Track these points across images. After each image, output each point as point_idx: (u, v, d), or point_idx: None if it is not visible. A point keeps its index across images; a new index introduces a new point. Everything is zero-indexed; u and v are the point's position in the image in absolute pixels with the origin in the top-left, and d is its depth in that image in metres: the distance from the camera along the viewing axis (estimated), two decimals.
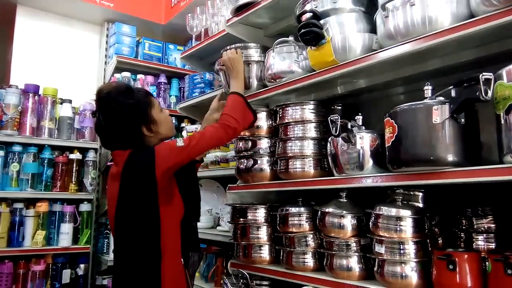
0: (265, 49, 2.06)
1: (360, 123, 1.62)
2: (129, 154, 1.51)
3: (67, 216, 3.09)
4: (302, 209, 1.80)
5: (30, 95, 3.03)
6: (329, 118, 1.59)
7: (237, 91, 1.77)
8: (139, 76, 3.46)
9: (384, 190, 1.55)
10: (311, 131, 1.81)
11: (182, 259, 1.53)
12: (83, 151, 3.30)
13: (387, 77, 1.69)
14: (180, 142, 1.50)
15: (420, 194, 1.51)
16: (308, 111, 1.82)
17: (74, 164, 3.20)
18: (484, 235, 1.37)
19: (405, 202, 1.48)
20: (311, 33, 1.61)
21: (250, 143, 2.00)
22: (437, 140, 1.24)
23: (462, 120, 1.23)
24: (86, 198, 3.24)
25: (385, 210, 1.43)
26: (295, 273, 1.73)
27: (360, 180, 1.50)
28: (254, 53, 2.07)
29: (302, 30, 1.63)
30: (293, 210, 1.81)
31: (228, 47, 2.04)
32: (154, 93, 3.47)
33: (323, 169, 1.78)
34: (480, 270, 1.24)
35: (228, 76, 1.94)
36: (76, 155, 3.21)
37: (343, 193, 1.67)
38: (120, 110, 1.51)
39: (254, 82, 2.05)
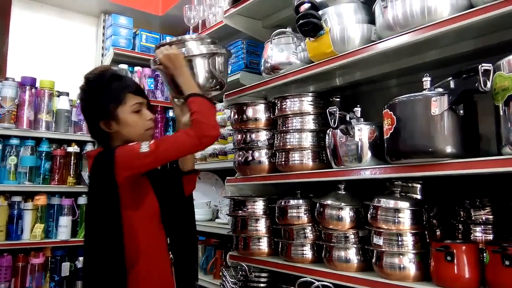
0: (212, 43, 1.76)
1: (359, 115, 1.62)
2: (96, 156, 1.41)
3: (65, 209, 3.08)
4: (301, 201, 1.80)
5: (27, 87, 3.01)
6: (327, 110, 1.58)
7: (195, 92, 1.50)
8: (137, 68, 3.43)
9: (382, 182, 1.55)
10: (310, 123, 1.81)
11: (171, 256, 1.48)
12: (81, 144, 3.28)
13: (386, 69, 1.69)
14: (144, 147, 1.32)
15: (418, 185, 1.51)
16: (307, 103, 1.82)
17: (72, 157, 3.18)
18: (482, 226, 1.38)
19: (403, 194, 1.48)
20: (309, 24, 1.60)
21: (248, 136, 1.99)
22: (435, 132, 1.24)
23: (461, 111, 1.23)
24: (84, 191, 3.24)
25: (383, 202, 1.43)
26: (293, 265, 1.74)
27: (359, 172, 1.49)
28: (194, 46, 1.68)
29: (300, 21, 1.62)
30: (292, 202, 1.81)
31: (160, 43, 1.69)
32: (152, 85, 3.45)
33: (322, 161, 1.78)
34: (478, 261, 1.24)
35: (169, 75, 1.61)
36: (74, 148, 3.20)
37: (341, 185, 1.67)
38: (83, 98, 1.44)
39: (200, 81, 1.66)
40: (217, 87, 1.73)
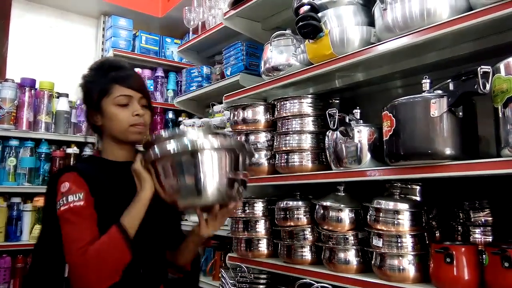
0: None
1: (358, 117, 1.62)
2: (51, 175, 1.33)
3: None
4: (300, 203, 1.80)
5: (27, 89, 3.01)
6: (327, 112, 1.59)
7: (122, 224, 1.12)
8: (136, 69, 3.43)
9: (382, 183, 1.55)
10: (309, 125, 1.81)
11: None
12: (80, 145, 3.28)
13: (385, 71, 1.69)
14: (61, 201, 1.14)
15: (418, 187, 1.51)
16: (306, 105, 1.82)
17: (72, 159, 3.18)
18: (481, 228, 1.38)
19: (402, 195, 1.48)
20: (309, 26, 1.61)
21: (248, 137, 1.99)
22: (435, 134, 1.24)
23: (460, 113, 1.23)
24: None
25: (382, 204, 1.43)
26: (293, 266, 1.74)
27: (358, 174, 1.50)
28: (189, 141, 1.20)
29: (300, 23, 1.62)
30: (291, 204, 1.81)
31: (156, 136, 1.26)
32: (152, 87, 3.45)
33: (321, 163, 1.78)
34: (477, 263, 1.24)
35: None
36: (73, 150, 3.20)
37: (341, 187, 1.67)
38: (80, 86, 1.36)
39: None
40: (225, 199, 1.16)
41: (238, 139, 1.17)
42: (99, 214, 1.17)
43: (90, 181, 1.19)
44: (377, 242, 1.44)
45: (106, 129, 1.30)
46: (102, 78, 1.28)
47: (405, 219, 1.39)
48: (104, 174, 1.25)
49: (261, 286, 1.90)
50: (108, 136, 1.31)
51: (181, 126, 2.43)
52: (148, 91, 1.36)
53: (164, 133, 1.15)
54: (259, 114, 1.98)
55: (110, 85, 1.26)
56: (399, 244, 1.39)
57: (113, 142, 1.30)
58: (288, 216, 1.79)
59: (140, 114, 1.27)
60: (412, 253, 1.37)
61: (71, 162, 3.17)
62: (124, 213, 1.14)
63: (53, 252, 1.18)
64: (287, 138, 1.83)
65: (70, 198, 1.14)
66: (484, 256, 1.24)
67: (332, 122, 1.56)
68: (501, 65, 1.13)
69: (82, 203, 1.14)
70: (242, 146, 1.16)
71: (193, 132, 1.13)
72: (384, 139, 1.38)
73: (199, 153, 1.07)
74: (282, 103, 1.87)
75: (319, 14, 1.63)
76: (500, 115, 1.13)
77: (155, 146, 1.12)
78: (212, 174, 1.07)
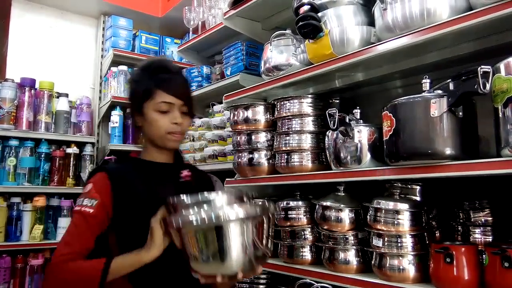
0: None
1: (358, 117, 1.62)
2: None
3: (64, 211, 3.08)
4: (300, 202, 1.80)
5: (26, 89, 3.01)
6: (327, 112, 1.59)
7: (110, 266, 1.09)
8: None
9: (382, 183, 1.55)
10: (309, 124, 1.81)
11: None
12: (80, 145, 3.28)
13: (385, 71, 1.69)
14: (78, 201, 1.19)
15: (418, 187, 1.51)
16: (306, 105, 1.82)
17: (71, 159, 3.18)
18: (481, 228, 1.38)
19: (402, 195, 1.48)
20: (309, 26, 1.60)
21: (248, 137, 1.99)
22: (435, 134, 1.24)
23: (460, 113, 1.23)
24: None
25: (382, 204, 1.43)
26: (293, 266, 1.74)
27: (358, 174, 1.50)
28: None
29: (300, 23, 1.62)
30: (291, 203, 1.81)
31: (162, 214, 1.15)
32: None
33: (321, 162, 1.78)
34: (477, 263, 1.24)
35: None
36: (73, 149, 3.20)
37: (340, 187, 1.67)
38: (129, 81, 1.39)
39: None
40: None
41: (263, 203, 1.10)
42: (124, 214, 1.18)
43: (119, 182, 1.21)
44: (377, 242, 1.44)
45: (145, 132, 1.31)
46: (147, 80, 1.28)
47: (405, 219, 1.39)
48: (138, 175, 1.26)
49: (261, 286, 1.90)
50: (145, 137, 1.33)
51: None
52: (191, 97, 1.34)
53: (186, 199, 1.08)
54: (259, 114, 1.98)
55: (153, 89, 1.25)
56: (399, 244, 1.39)
57: (152, 145, 1.31)
58: (288, 216, 1.79)
59: (178, 123, 1.26)
60: (412, 253, 1.37)
61: (71, 162, 3.17)
62: (121, 257, 1.12)
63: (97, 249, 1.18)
64: (287, 138, 1.83)
65: (85, 201, 1.17)
66: (484, 256, 1.24)
67: (332, 122, 1.56)
68: (501, 65, 1.13)
69: (91, 210, 1.15)
70: (267, 210, 1.10)
71: (218, 199, 1.07)
72: (384, 139, 1.38)
73: (223, 226, 1.01)
74: (282, 103, 1.87)
75: (319, 14, 1.63)
76: (500, 115, 1.13)
77: (177, 215, 1.06)
78: (236, 245, 1.03)
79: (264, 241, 1.09)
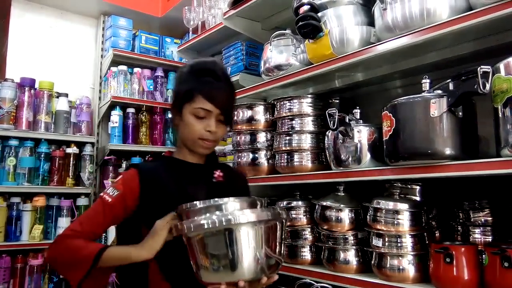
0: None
1: (358, 117, 1.62)
2: None
3: (64, 211, 3.07)
4: (300, 202, 1.80)
5: (26, 89, 3.01)
6: (327, 112, 1.59)
7: (103, 253, 1.11)
8: (136, 69, 3.43)
9: (381, 183, 1.55)
10: (309, 124, 1.81)
11: None
12: (80, 145, 3.28)
13: (385, 71, 1.69)
14: (106, 189, 1.23)
15: (418, 187, 1.51)
16: (306, 105, 1.82)
17: (71, 159, 3.18)
18: (481, 228, 1.38)
19: (402, 195, 1.49)
20: (308, 26, 1.61)
21: (247, 137, 1.99)
22: (434, 134, 1.24)
23: (460, 113, 1.23)
24: (83, 193, 3.23)
25: (382, 204, 1.43)
26: (292, 266, 1.74)
27: (358, 174, 1.50)
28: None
29: (300, 23, 1.62)
30: (291, 203, 1.81)
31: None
32: (151, 87, 3.45)
33: (321, 162, 1.78)
34: (477, 263, 1.24)
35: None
36: (73, 149, 3.19)
37: (340, 187, 1.67)
38: (176, 77, 1.36)
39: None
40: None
41: (275, 208, 1.06)
42: (154, 211, 1.17)
43: (149, 180, 1.23)
44: (376, 242, 1.44)
45: (180, 132, 1.30)
46: (191, 82, 1.26)
47: (405, 219, 1.39)
48: (170, 173, 1.27)
49: None
50: (181, 138, 1.31)
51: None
52: (230, 107, 1.29)
53: (199, 204, 1.06)
54: (259, 114, 1.98)
55: (194, 93, 1.23)
56: (399, 244, 1.39)
57: (184, 146, 1.31)
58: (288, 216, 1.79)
59: (212, 132, 1.23)
60: (412, 253, 1.37)
61: (71, 162, 3.17)
62: (115, 248, 1.15)
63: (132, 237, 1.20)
64: (287, 138, 1.83)
65: (109, 190, 1.21)
66: (483, 256, 1.24)
67: (332, 122, 1.56)
68: (501, 65, 1.13)
69: (110, 199, 1.18)
70: (280, 216, 1.06)
71: (229, 204, 1.05)
72: (384, 139, 1.38)
73: (234, 230, 0.98)
74: (282, 103, 1.87)
75: (319, 14, 1.63)
76: (500, 115, 1.13)
77: (188, 220, 1.03)
78: (248, 251, 0.99)
79: (277, 248, 1.06)
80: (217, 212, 1.02)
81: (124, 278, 1.27)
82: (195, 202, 1.07)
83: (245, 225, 0.99)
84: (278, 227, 1.06)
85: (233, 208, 1.04)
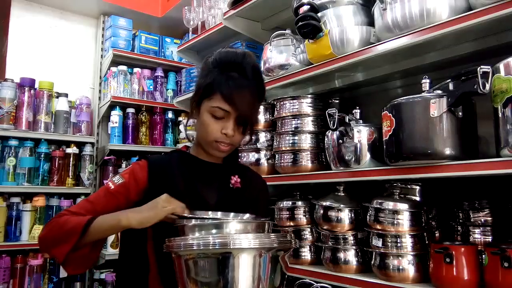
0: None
1: (358, 117, 1.62)
2: None
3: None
4: (300, 202, 1.80)
5: (26, 89, 3.01)
6: (326, 112, 1.59)
7: (94, 220, 1.04)
8: (136, 69, 3.43)
9: (381, 183, 1.55)
10: (309, 124, 1.81)
11: None
12: (80, 145, 3.28)
13: (385, 71, 1.69)
14: (112, 177, 1.17)
15: (417, 187, 1.51)
16: (306, 105, 1.82)
17: (71, 159, 3.18)
18: (481, 228, 1.38)
19: (402, 195, 1.49)
20: (308, 26, 1.61)
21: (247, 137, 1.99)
22: (434, 134, 1.24)
23: (460, 113, 1.23)
24: (83, 193, 3.23)
25: (382, 204, 1.43)
26: (292, 266, 1.74)
27: (358, 174, 1.50)
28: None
29: (300, 23, 1.62)
30: (291, 204, 1.81)
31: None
32: (151, 87, 3.45)
33: (321, 163, 1.78)
34: (477, 263, 1.24)
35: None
36: (72, 149, 3.19)
37: (340, 187, 1.67)
38: (201, 67, 1.24)
39: None
40: None
41: (283, 234, 0.93)
42: None
43: (157, 173, 1.16)
44: (376, 242, 1.44)
45: (196, 129, 1.21)
46: (213, 76, 1.12)
47: (404, 219, 1.39)
48: (181, 169, 1.19)
49: None
50: (197, 136, 1.23)
51: None
52: (253, 109, 1.17)
53: (194, 221, 0.95)
54: (259, 114, 1.98)
55: (214, 90, 1.11)
56: (399, 244, 1.39)
57: (199, 143, 1.22)
58: (287, 216, 1.79)
59: (228, 135, 1.12)
60: (412, 253, 1.37)
61: (71, 162, 3.17)
62: (106, 215, 1.06)
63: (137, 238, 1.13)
64: (287, 138, 1.83)
65: (115, 178, 1.16)
66: (483, 256, 1.24)
67: (331, 122, 1.56)
68: (501, 65, 1.13)
69: (113, 187, 1.13)
70: (288, 243, 0.92)
71: (232, 224, 0.93)
72: (384, 139, 1.38)
73: (231, 257, 0.85)
74: (282, 103, 1.87)
75: (319, 14, 1.63)
76: (500, 115, 1.13)
77: (180, 238, 0.91)
78: (245, 282, 0.86)
79: (278, 279, 0.92)
80: (216, 231, 0.90)
81: (123, 286, 1.19)
82: (194, 216, 0.97)
83: (246, 252, 0.85)
84: (281, 262, 0.92)
85: (235, 229, 0.91)
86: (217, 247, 0.84)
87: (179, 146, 3.19)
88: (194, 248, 0.86)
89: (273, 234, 0.91)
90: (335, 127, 1.55)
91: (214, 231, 0.91)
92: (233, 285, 0.85)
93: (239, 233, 0.90)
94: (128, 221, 1.01)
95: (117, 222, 1.03)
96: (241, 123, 1.13)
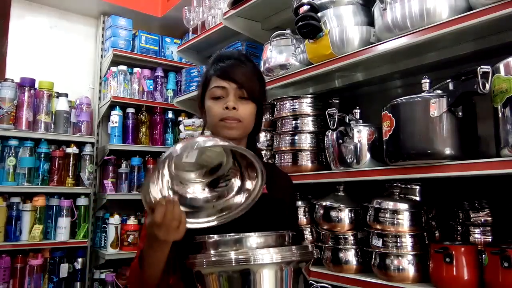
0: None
1: (358, 117, 1.62)
2: None
3: (64, 211, 3.07)
4: (300, 202, 1.80)
5: (26, 88, 3.01)
6: (326, 112, 1.59)
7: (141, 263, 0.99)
8: (136, 69, 3.44)
9: (381, 183, 1.55)
10: (309, 124, 1.81)
11: None
12: (80, 145, 3.28)
13: (385, 71, 1.69)
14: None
15: (417, 187, 1.51)
16: (306, 105, 1.82)
17: (71, 158, 3.18)
18: (481, 228, 1.38)
19: (402, 195, 1.49)
20: (308, 26, 1.61)
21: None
22: (434, 134, 1.24)
23: (460, 113, 1.23)
24: (83, 193, 3.23)
25: (382, 204, 1.43)
26: None
27: (358, 174, 1.50)
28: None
29: (300, 23, 1.62)
30: None
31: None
32: (151, 87, 3.45)
33: (321, 162, 1.78)
34: (476, 263, 1.24)
35: None
36: (72, 149, 3.19)
37: (340, 187, 1.67)
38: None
39: None
40: None
41: (305, 246, 0.89)
42: None
43: None
44: (376, 242, 1.44)
45: (206, 123, 1.21)
46: (208, 71, 1.18)
47: (404, 219, 1.39)
48: None
49: None
50: (207, 129, 1.22)
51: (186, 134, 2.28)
52: (251, 80, 1.16)
53: (214, 236, 0.91)
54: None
55: (209, 78, 1.16)
56: (399, 244, 1.39)
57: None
58: None
59: (230, 107, 1.09)
60: (412, 253, 1.37)
61: (71, 162, 3.17)
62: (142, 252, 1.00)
63: None
64: (287, 138, 1.83)
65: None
66: (483, 256, 1.24)
67: (331, 122, 1.56)
68: (501, 65, 1.13)
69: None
70: (309, 255, 0.89)
71: (251, 239, 0.89)
72: (384, 139, 1.38)
73: (253, 273, 0.83)
74: (282, 103, 1.87)
75: (319, 14, 1.63)
76: (500, 115, 1.13)
77: (201, 255, 0.88)
78: None
79: None
80: (236, 247, 0.88)
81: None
82: (212, 236, 0.91)
83: (267, 267, 0.83)
84: (303, 272, 0.91)
85: (255, 243, 0.88)
86: (238, 263, 0.82)
87: None
88: (216, 265, 0.84)
89: (294, 246, 0.88)
90: (335, 127, 1.56)
91: (233, 247, 0.89)
92: None
93: (260, 248, 0.87)
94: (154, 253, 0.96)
95: (148, 238, 0.95)
96: (242, 96, 1.12)
